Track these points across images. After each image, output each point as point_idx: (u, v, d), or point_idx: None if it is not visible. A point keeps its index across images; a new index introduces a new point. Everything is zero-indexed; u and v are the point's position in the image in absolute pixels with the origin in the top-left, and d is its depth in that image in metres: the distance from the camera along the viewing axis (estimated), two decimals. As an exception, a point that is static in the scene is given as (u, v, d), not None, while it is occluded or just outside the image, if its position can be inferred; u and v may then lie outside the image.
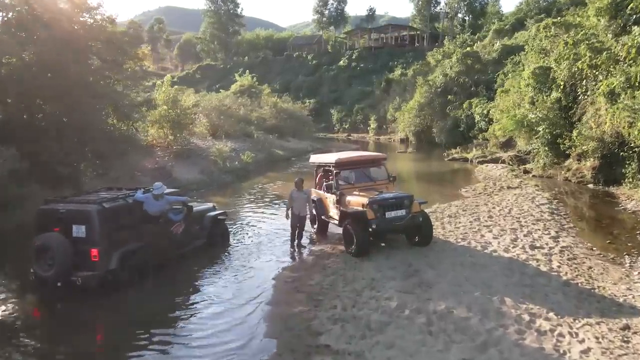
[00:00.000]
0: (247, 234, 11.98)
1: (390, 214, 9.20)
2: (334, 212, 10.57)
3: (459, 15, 71.46)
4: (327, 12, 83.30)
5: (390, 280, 7.89)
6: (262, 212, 14.84)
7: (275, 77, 75.77)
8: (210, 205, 11.06)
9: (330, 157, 11.13)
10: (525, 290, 7.25)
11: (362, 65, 70.91)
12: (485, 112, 33.95)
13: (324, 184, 10.74)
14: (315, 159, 11.95)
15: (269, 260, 9.71)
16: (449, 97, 40.19)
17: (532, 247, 9.65)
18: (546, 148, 21.75)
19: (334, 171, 10.44)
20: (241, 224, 13.23)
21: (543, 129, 21.52)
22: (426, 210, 10.78)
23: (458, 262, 8.70)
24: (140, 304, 7.73)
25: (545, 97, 22.55)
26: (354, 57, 73.33)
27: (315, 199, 11.34)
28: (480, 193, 17.14)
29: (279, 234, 11.62)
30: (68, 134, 14.60)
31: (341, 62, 73.55)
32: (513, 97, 28.53)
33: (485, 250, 9.46)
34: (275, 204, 16.30)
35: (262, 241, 11.28)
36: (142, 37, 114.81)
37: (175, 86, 21.92)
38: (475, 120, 35.47)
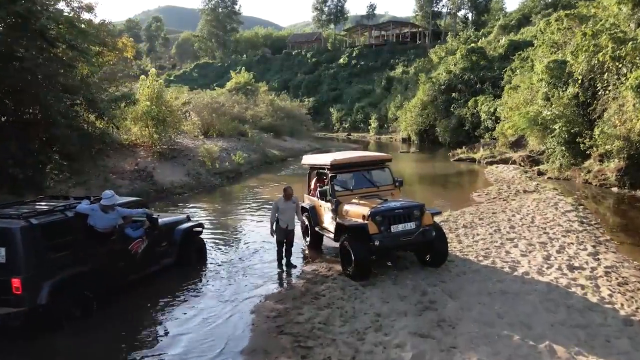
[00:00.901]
0: (229, 248, 10.24)
1: (396, 228, 7.48)
2: (329, 224, 8.84)
3: (462, 11, 69.74)
4: (326, 9, 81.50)
5: (400, 316, 6.15)
6: (250, 221, 13.11)
7: (273, 76, 74.10)
8: (182, 216, 9.30)
9: (324, 158, 9.38)
10: (579, 334, 5.52)
11: (362, 63, 69.17)
12: (491, 110, 32.39)
13: (318, 189, 8.98)
14: (308, 160, 10.18)
15: (251, 285, 7.96)
16: (453, 94, 38.57)
17: (571, 268, 7.90)
18: (563, 148, 20.03)
19: (329, 174, 8.72)
20: (223, 235, 11.49)
21: (559, 127, 19.79)
22: (436, 219, 9.03)
23: (484, 289, 6.96)
24: (77, 350, 5.97)
25: (561, 93, 20.82)
26: (354, 54, 71.59)
27: (307, 207, 9.61)
28: (494, 198, 15.41)
29: (266, 248, 9.88)
30: (30, 131, 12.91)
31: (341, 60, 71.80)
32: (523, 93, 26.91)
33: (515, 273, 7.72)
34: (266, 210, 14.56)
35: (245, 258, 9.54)
36: (139, 35, 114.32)
37: (160, 80, 20.11)
38: (481, 119, 33.90)
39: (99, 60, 18.35)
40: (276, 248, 8.79)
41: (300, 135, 39.35)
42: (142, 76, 20.15)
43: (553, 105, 20.66)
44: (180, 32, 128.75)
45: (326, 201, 8.74)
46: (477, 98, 35.55)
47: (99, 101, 15.01)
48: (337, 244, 8.22)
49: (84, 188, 14.17)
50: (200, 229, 9.23)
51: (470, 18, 68.72)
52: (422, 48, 65.97)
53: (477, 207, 13.86)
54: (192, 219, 9.57)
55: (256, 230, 11.92)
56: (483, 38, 50.27)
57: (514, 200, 14.81)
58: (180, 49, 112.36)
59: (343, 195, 8.62)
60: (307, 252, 9.69)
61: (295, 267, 8.79)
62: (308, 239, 9.83)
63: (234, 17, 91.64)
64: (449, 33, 62.50)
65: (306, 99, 60.80)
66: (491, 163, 25.03)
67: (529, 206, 13.51)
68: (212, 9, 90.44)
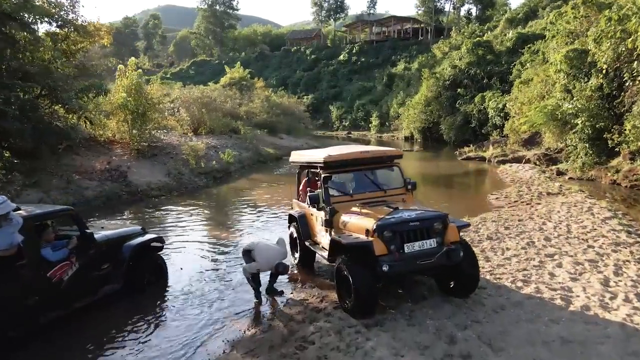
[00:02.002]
0: (198, 268, 8.21)
1: (412, 247, 5.52)
2: (322, 238, 6.88)
3: (466, 6, 67.73)
4: (326, 4, 79.46)
5: (422, 383, 4.18)
6: (230, 232, 11.10)
7: (272, 73, 72.23)
8: (134, 227, 7.29)
9: (317, 154, 7.37)
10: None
11: (363, 59, 67.18)
12: (500, 106, 30.50)
13: (309, 194, 6.98)
14: (297, 156, 8.17)
15: (216, 322, 5.99)
16: (459, 90, 36.64)
17: (643, 299, 5.93)
18: (586, 145, 18.05)
19: (322, 175, 6.76)
20: (195, 249, 9.48)
21: (582, 122, 17.83)
22: (463, 234, 7.01)
23: (536, 335, 5.00)
24: None
25: (583, 85, 18.83)
26: (354, 51, 69.57)
27: (296, 215, 7.63)
28: (516, 201, 13.46)
29: (235, 273, 7.88)
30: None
31: (341, 57, 69.81)
32: (537, 87, 24.95)
33: (572, 307, 5.75)
34: (253, 218, 12.60)
35: (218, 279, 7.58)
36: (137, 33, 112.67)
37: (139, 70, 18.10)
38: (489, 116, 32.03)
39: (70, 46, 16.45)
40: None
41: (297, 133, 37.36)
42: (120, 66, 18.15)
43: (574, 98, 18.69)
44: (180, 31, 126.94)
45: (318, 209, 6.75)
46: (485, 94, 33.76)
47: (61, 90, 13.05)
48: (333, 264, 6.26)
49: (42, 190, 12.19)
50: (159, 244, 7.24)
51: (474, 13, 66.70)
52: (424, 44, 63.93)
53: (499, 212, 11.89)
54: (161, 226, 7.63)
55: (237, 241, 9.95)
56: (489, 32, 48.26)
57: (539, 204, 12.85)
58: (178, 47, 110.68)
59: (340, 201, 6.65)
60: (295, 271, 7.70)
61: (280, 293, 6.81)
62: (297, 254, 7.85)
63: (231, 13, 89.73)
64: (453, 28, 60.47)
65: (304, 96, 58.85)
66: (503, 162, 23.14)
67: (559, 211, 11.54)
68: (209, 5, 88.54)
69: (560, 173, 19.06)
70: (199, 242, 10.06)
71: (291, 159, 8.36)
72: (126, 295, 6.53)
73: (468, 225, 6.40)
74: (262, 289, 6.72)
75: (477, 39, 41.81)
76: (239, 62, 45.19)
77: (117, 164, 15.41)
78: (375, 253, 5.34)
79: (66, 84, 14.00)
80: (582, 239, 8.95)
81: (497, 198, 14.22)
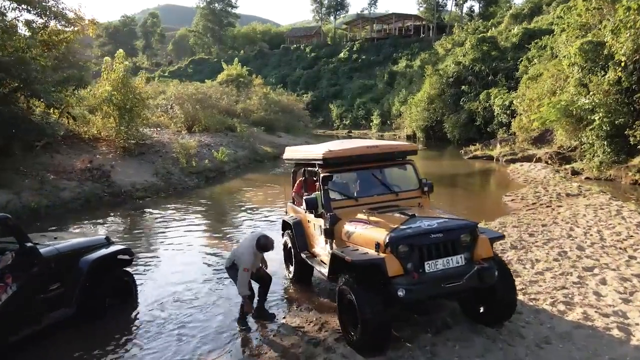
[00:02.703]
0: (177, 284, 7.01)
1: (434, 265, 4.35)
2: (321, 250, 5.71)
3: (468, 2, 66.61)
4: (326, 1, 78.19)
5: None
6: (219, 239, 9.91)
7: (271, 71, 71.01)
8: (96, 237, 6.10)
9: (315, 150, 6.13)
10: None
11: (363, 57, 65.90)
12: (506, 103, 29.37)
13: (304, 197, 5.78)
14: (292, 153, 6.99)
15: (191, 357, 4.81)
16: (463, 87, 35.48)
17: None
18: (604, 142, 16.89)
19: (321, 174, 5.58)
20: (176, 263, 8.25)
21: (599, 118, 16.65)
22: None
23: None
24: None
25: (600, 78, 17.67)
26: (355, 48, 68.32)
27: (291, 222, 6.45)
28: (534, 203, 12.31)
29: (229, 286, 6.72)
30: None
31: (341, 55, 68.56)
32: (547, 83, 23.80)
33: (633, 340, 4.58)
34: (246, 222, 11.44)
35: (199, 299, 6.39)
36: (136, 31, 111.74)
37: (126, 62, 16.88)
38: (495, 114, 30.91)
39: (51, 37, 15.30)
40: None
41: (296, 131, 36.12)
42: (107, 58, 16.98)
43: (591, 93, 17.54)
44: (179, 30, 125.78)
45: (316, 216, 5.57)
46: (490, 91, 32.65)
47: (36, 82, 11.88)
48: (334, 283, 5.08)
49: (12, 192, 11.02)
50: (127, 256, 6.05)
51: (476, 10, 65.56)
52: (426, 42, 62.69)
53: (518, 216, 10.73)
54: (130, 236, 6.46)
55: (225, 253, 8.77)
56: (493, 28, 47.11)
57: (560, 206, 11.69)
58: (177, 46, 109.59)
59: (343, 206, 5.47)
60: (290, 289, 6.52)
61: (272, 317, 5.63)
62: (292, 268, 6.66)
63: (230, 11, 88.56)
64: (455, 24, 59.22)
65: (304, 93, 57.69)
66: (512, 161, 22.03)
67: (584, 215, 10.38)
68: (208, 2, 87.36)
69: (575, 172, 17.93)
70: (182, 251, 8.90)
71: (285, 155, 7.16)
72: (81, 322, 5.35)
73: (502, 237, 5.19)
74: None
75: (482, 34, 40.71)
76: (236, 59, 43.97)
77: (100, 162, 14.24)
78: (389, 274, 4.17)
79: (43, 76, 12.81)
80: (620, 248, 7.80)
81: (512, 200, 13.07)
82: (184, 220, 11.58)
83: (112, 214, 11.95)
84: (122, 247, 6.11)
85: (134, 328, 5.55)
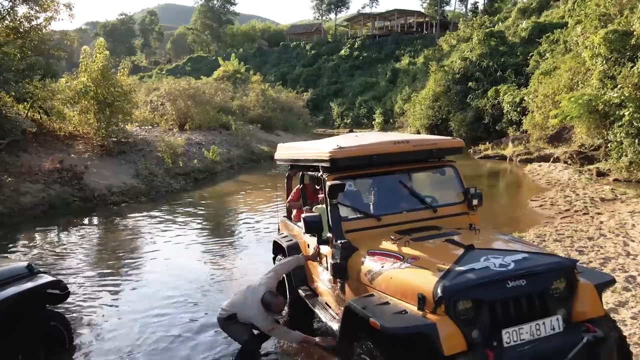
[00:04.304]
0: (134, 324, 5.34)
1: (517, 335, 2.65)
2: (327, 289, 4.04)
3: (472, -1, 65.00)
4: (326, -3, 76.67)
5: None
6: (201, 255, 8.24)
7: (270, 69, 69.42)
8: (10, 267, 4.43)
9: (318, 147, 4.35)
10: None
11: (365, 54, 64.28)
12: (517, 100, 27.77)
13: (303, 214, 4.07)
14: (286, 151, 5.22)
15: None
16: (470, 84, 33.86)
17: None
18: (635, 140, 15.26)
19: (327, 181, 3.87)
20: (145, 293, 6.58)
21: (630, 114, 15.04)
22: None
23: None
24: None
25: (628, 70, 16.06)
26: (356, 46, 66.69)
27: (285, 245, 4.77)
28: (567, 210, 10.71)
29: (204, 326, 5.06)
30: None
31: (342, 52, 66.90)
32: (563, 77, 22.20)
33: None
34: (233, 234, 9.78)
35: (161, 347, 4.73)
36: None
37: (106, 52, 15.16)
38: (504, 111, 29.32)
39: (21, 23, 13.67)
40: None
41: (296, 129, 34.49)
42: (85, 47, 15.31)
43: (619, 86, 15.94)
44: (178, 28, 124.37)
45: (320, 242, 3.89)
46: (499, 87, 31.06)
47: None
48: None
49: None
50: (57, 291, 4.38)
51: (481, 7, 64.01)
52: (429, 38, 61.09)
53: (555, 226, 9.10)
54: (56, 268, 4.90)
55: (209, 272, 7.12)
56: (500, 23, 45.55)
57: (600, 214, 10.09)
58: (175, 44, 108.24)
59: (359, 228, 3.79)
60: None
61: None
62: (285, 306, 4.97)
63: (229, 8, 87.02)
64: (461, 20, 57.66)
65: (304, 93, 56.20)
66: (528, 161, 20.48)
67: (634, 225, 8.75)
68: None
69: (601, 174, 16.29)
70: (156, 273, 7.23)
71: (277, 154, 5.42)
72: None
73: (613, 281, 3.46)
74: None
75: (490, 29, 39.17)
76: (233, 55, 42.37)
77: (73, 162, 12.57)
78: (445, 351, 2.50)
79: (6, 64, 11.14)
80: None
81: (541, 205, 11.47)
82: (163, 229, 9.91)
83: (78, 222, 10.30)
84: (50, 279, 4.43)
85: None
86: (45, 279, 4.42)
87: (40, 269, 4.64)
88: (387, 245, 3.47)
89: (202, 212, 12.09)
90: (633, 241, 7.71)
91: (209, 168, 16.66)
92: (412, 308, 2.79)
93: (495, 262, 2.84)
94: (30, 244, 8.72)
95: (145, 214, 11.13)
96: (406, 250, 3.28)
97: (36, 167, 11.87)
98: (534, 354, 2.62)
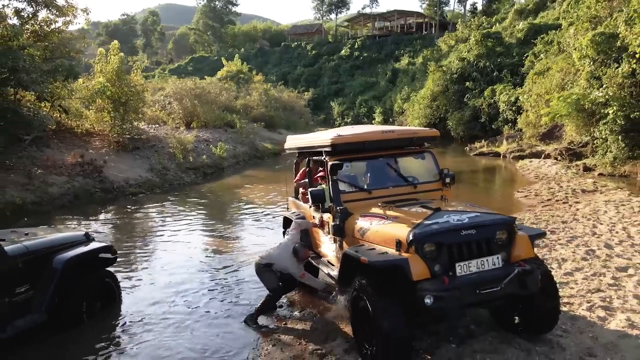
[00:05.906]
0: (166, 287, 6.36)
1: (466, 268, 3.68)
2: (329, 250, 5.05)
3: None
4: (327, -2, 77.56)
5: None
6: (213, 239, 9.23)
7: (272, 69, 70.26)
8: (72, 234, 5.44)
9: (321, 136, 5.50)
10: None
11: (365, 54, 65.16)
12: (512, 99, 28.68)
13: (309, 190, 5.03)
14: (295, 141, 6.32)
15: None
16: (467, 84, 34.76)
17: None
18: (618, 137, 16.20)
19: (329, 163, 4.88)
20: (166, 263, 7.58)
21: (614, 112, 15.98)
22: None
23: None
24: None
25: (613, 71, 17.00)
26: (356, 46, 67.58)
27: (294, 218, 5.78)
28: (549, 199, 11.68)
29: (227, 291, 6.07)
30: None
31: (343, 52, 67.80)
32: (555, 77, 23.16)
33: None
34: (244, 220, 10.77)
35: (191, 303, 5.74)
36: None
37: (121, 54, 16.16)
38: (500, 110, 30.22)
39: (43, 27, 14.65)
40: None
41: (297, 128, 35.47)
42: (100, 49, 16.31)
43: (604, 86, 16.89)
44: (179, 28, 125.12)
45: (323, 211, 4.91)
46: (495, 87, 31.92)
47: (22, 71, 11.21)
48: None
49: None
50: (108, 255, 5.39)
51: (479, 8, 64.83)
52: (428, 39, 61.96)
53: (534, 213, 10.09)
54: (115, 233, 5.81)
55: (222, 250, 8.12)
56: (497, 24, 46.42)
57: (578, 202, 11.06)
58: (177, 44, 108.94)
59: (354, 199, 4.81)
60: (292, 291, 5.86)
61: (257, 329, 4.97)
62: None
63: (230, 8, 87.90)
64: (459, 20, 58.55)
65: (305, 92, 57.14)
66: (520, 157, 21.40)
67: (606, 211, 9.73)
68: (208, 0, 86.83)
69: (587, 169, 17.24)
70: (176, 251, 8.24)
71: (287, 144, 6.50)
72: (54, 331, 4.69)
73: (544, 234, 4.51)
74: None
75: (487, 30, 40.04)
76: (236, 55, 43.34)
77: (92, 157, 13.57)
78: (413, 277, 3.50)
79: (32, 66, 12.14)
80: (653, 248, 7.13)
81: (526, 196, 12.44)
82: (179, 216, 10.92)
83: (102, 211, 11.32)
84: (104, 244, 5.44)
85: (116, 338, 4.89)
86: (99, 244, 5.43)
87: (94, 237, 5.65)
88: (375, 210, 4.47)
89: (214, 201, 13.10)
90: (601, 224, 8.68)
91: (217, 163, 17.67)
92: (392, 250, 3.78)
93: (454, 218, 3.83)
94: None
95: (164, 202, 12.15)
96: (389, 212, 4.28)
97: (59, 161, 12.87)
98: (478, 279, 3.62)
